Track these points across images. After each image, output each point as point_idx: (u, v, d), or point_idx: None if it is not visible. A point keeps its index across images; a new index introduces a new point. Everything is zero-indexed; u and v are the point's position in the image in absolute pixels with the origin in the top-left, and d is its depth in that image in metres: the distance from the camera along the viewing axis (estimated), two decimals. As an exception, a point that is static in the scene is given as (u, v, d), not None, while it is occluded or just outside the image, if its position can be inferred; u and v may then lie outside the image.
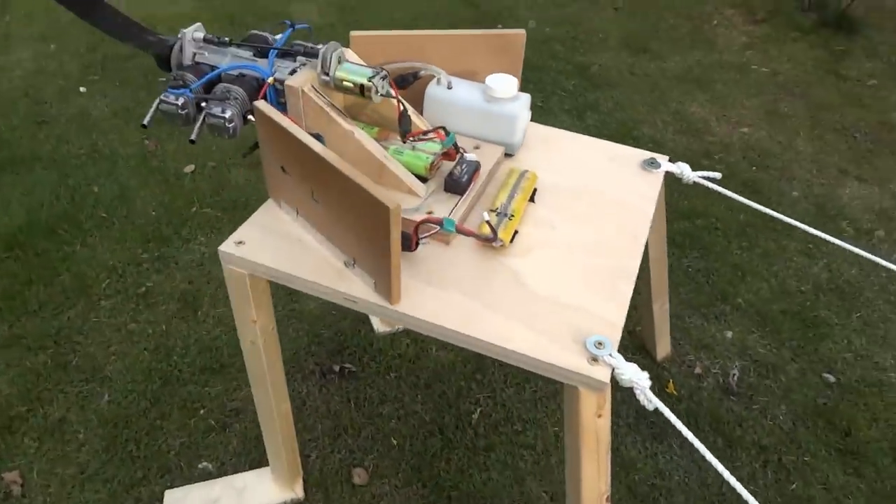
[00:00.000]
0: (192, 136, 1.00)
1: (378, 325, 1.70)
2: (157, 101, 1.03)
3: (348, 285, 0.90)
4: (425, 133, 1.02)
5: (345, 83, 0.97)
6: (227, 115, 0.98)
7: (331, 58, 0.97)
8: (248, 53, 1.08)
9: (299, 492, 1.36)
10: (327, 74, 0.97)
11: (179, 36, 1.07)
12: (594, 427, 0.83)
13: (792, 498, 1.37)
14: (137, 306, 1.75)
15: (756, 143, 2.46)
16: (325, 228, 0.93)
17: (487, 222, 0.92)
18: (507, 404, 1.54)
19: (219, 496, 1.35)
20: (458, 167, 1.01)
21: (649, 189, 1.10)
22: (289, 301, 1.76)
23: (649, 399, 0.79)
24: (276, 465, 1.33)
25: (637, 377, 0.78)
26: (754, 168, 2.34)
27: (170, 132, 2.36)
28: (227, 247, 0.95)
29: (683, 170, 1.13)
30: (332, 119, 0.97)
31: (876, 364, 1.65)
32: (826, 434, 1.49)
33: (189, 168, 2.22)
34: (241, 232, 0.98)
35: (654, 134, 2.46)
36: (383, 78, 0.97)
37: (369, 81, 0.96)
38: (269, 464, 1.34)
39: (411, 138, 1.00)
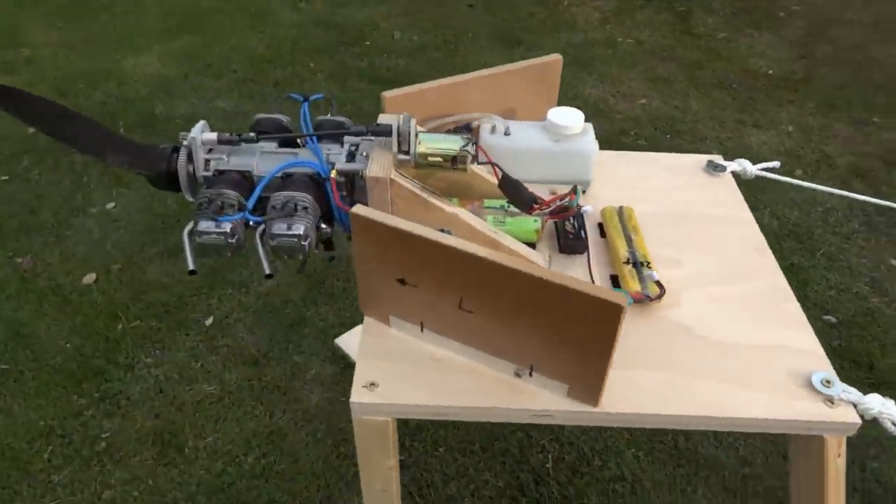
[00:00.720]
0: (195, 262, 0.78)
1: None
2: (188, 232, 0.79)
3: (532, 399, 0.74)
4: (560, 198, 0.84)
5: (430, 158, 0.80)
6: (301, 231, 0.77)
7: (410, 133, 0.79)
8: (273, 146, 0.86)
9: None
10: (407, 153, 0.80)
11: (185, 142, 0.82)
12: (836, 469, 0.77)
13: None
14: (103, 468, 1.40)
15: (658, 112, 2.57)
16: (478, 340, 0.76)
17: (657, 282, 0.81)
18: (573, 441, 1.44)
19: None
20: (569, 222, 0.89)
21: (731, 195, 1.05)
22: (291, 401, 1.52)
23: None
24: None
25: (885, 407, 0.73)
26: (668, 136, 2.44)
27: (45, 241, 1.94)
28: (358, 396, 0.74)
29: (745, 166, 1.10)
30: (430, 205, 0.80)
31: (857, 294, 1.78)
32: (856, 373, 1.57)
33: (89, 278, 1.83)
34: (365, 371, 0.77)
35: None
36: (474, 144, 0.81)
37: (462, 150, 0.80)
38: None
39: (538, 208, 0.83)
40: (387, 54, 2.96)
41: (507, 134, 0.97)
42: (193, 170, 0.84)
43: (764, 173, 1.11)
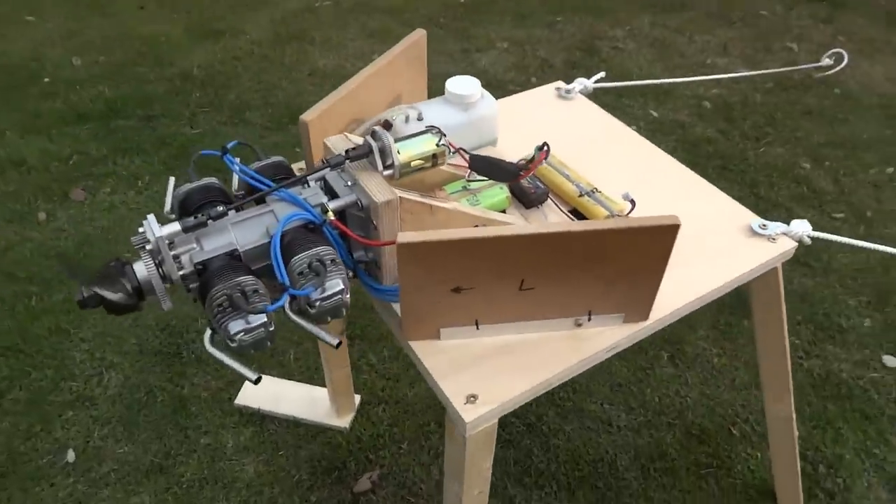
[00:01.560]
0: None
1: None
2: (213, 342, 0.66)
3: (600, 339, 0.79)
4: (543, 159, 0.86)
5: (413, 164, 0.77)
6: (340, 285, 0.69)
7: (391, 146, 0.75)
8: (232, 212, 0.74)
9: None
10: (391, 167, 0.76)
11: (149, 247, 0.66)
12: (780, 281, 0.98)
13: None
14: None
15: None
16: (537, 311, 0.78)
17: (629, 199, 0.90)
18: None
19: None
20: (526, 181, 0.93)
21: (596, 112, 1.19)
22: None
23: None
24: None
25: (803, 227, 0.95)
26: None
27: None
28: (467, 414, 0.71)
29: (585, 84, 1.24)
30: (435, 208, 0.77)
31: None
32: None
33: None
34: (456, 389, 0.74)
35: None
36: (443, 135, 0.80)
37: (440, 146, 0.79)
38: None
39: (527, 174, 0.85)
40: (79, 85, 2.53)
41: (420, 119, 0.96)
42: (163, 274, 0.68)
43: (600, 84, 1.27)
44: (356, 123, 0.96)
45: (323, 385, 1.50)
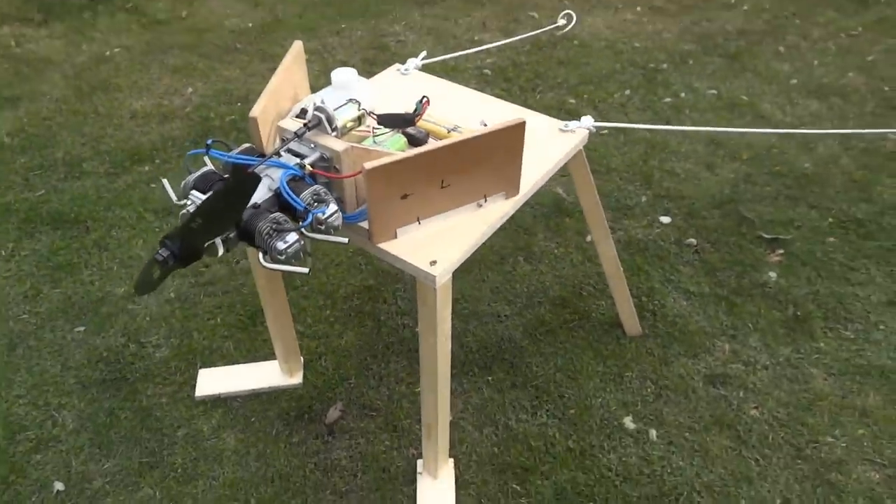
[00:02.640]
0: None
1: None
2: (268, 259, 0.94)
3: (496, 212, 1.20)
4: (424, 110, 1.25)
5: (348, 124, 1.11)
6: (335, 208, 1.01)
7: (333, 115, 1.08)
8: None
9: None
10: (335, 129, 1.09)
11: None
12: (586, 165, 1.46)
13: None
14: None
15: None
16: (452, 201, 1.16)
17: (483, 124, 1.31)
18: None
19: None
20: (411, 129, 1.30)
21: (430, 80, 1.59)
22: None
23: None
24: None
25: (590, 122, 1.43)
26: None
27: None
28: (434, 271, 1.07)
29: (411, 65, 1.63)
30: (371, 152, 1.12)
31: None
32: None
33: None
34: (421, 259, 1.09)
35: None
36: (359, 102, 1.15)
37: (361, 111, 1.13)
38: None
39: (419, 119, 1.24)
40: None
41: (322, 103, 1.29)
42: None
43: (425, 62, 1.67)
44: (278, 116, 1.26)
45: (264, 360, 1.75)
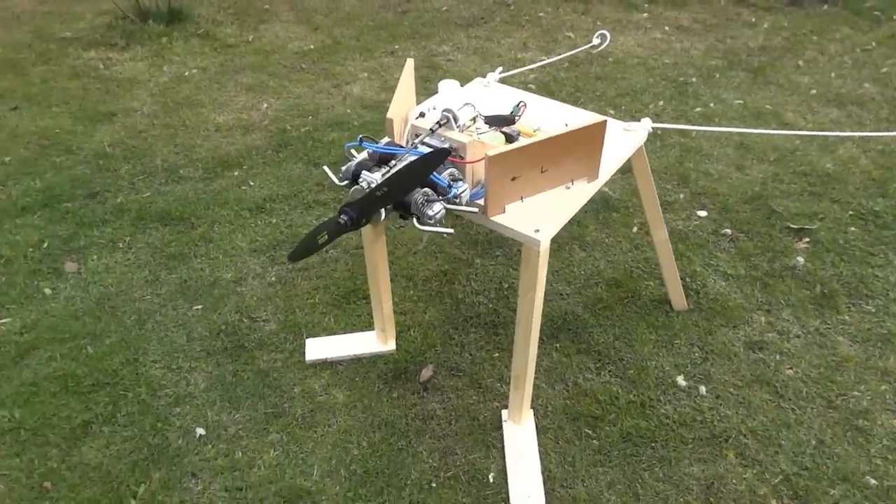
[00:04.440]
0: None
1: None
2: (423, 224, 1.23)
3: (579, 193, 1.48)
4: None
5: (467, 123, 1.41)
6: (465, 185, 1.30)
7: (458, 115, 1.37)
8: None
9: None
10: (459, 126, 1.38)
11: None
12: (644, 152, 1.74)
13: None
14: None
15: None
16: (549, 183, 1.44)
17: (566, 124, 1.59)
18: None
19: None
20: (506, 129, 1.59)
21: (511, 91, 1.88)
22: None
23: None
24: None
25: (647, 124, 1.71)
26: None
27: None
28: (538, 236, 1.35)
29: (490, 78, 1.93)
30: (485, 143, 1.40)
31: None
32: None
33: None
34: (528, 228, 1.37)
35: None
36: (475, 107, 1.44)
37: (476, 111, 1.43)
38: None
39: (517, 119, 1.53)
40: (1, 184, 2.71)
41: (435, 108, 1.58)
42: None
43: (502, 75, 1.97)
44: (399, 118, 1.55)
45: (361, 332, 2.04)
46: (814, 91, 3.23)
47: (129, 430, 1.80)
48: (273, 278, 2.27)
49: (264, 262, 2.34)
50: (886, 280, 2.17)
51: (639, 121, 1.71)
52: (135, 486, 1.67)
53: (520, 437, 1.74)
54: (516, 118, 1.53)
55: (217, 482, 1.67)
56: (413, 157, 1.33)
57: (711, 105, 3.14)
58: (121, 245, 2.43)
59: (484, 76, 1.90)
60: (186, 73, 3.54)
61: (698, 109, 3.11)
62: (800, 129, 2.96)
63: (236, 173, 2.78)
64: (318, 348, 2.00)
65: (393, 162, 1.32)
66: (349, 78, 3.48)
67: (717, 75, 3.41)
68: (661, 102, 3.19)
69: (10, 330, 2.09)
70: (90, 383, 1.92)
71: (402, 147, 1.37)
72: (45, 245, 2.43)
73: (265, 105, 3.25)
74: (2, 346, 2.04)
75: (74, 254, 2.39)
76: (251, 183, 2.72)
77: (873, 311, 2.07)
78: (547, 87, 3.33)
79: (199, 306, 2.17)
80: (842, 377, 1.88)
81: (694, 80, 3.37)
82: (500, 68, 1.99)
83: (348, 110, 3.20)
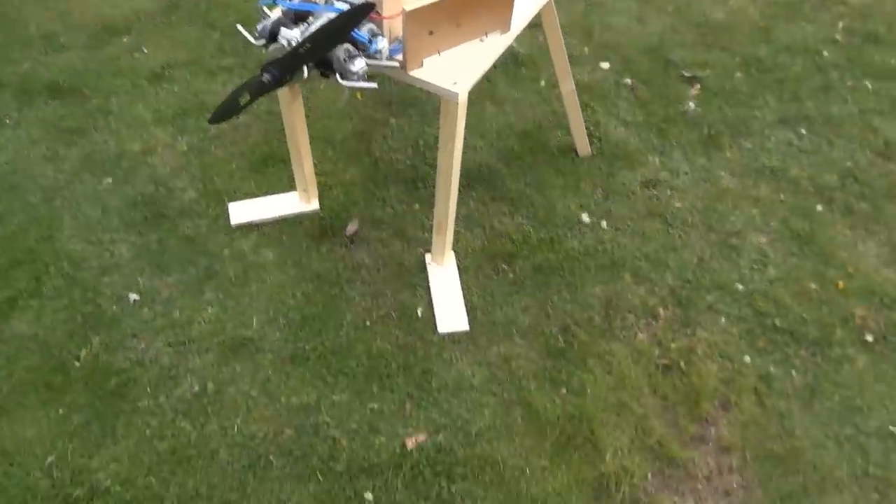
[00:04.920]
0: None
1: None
2: (345, 78, 1.25)
3: (494, 45, 1.53)
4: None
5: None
6: (385, 41, 1.32)
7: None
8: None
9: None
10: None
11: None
12: (553, 7, 1.79)
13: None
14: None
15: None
16: (463, 36, 1.48)
17: None
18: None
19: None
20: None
21: None
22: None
23: None
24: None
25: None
26: None
27: None
28: (456, 88, 1.41)
29: None
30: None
31: None
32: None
33: None
34: (446, 80, 1.42)
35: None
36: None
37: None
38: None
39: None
40: None
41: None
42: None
43: None
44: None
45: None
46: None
47: (59, 302, 1.80)
48: (185, 147, 2.22)
49: (172, 133, 2.27)
50: (764, 119, 2.41)
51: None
52: (76, 351, 1.71)
53: (443, 276, 1.90)
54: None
55: (159, 340, 1.74)
56: (331, 14, 1.32)
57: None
58: (8, 122, 2.27)
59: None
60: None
61: (599, -38, 3.14)
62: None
63: (125, 40, 2.60)
64: (242, 212, 2.02)
65: (311, 18, 1.31)
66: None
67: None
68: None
69: None
70: (6, 262, 1.88)
71: (317, 3, 1.35)
72: (-79, 125, 2.24)
73: (148, -37, 2.98)
74: None
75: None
76: (144, 50, 2.56)
77: (751, 147, 2.32)
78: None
79: (109, 179, 2.11)
80: (721, 206, 2.13)
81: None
82: None
83: (242, -32, 2.99)
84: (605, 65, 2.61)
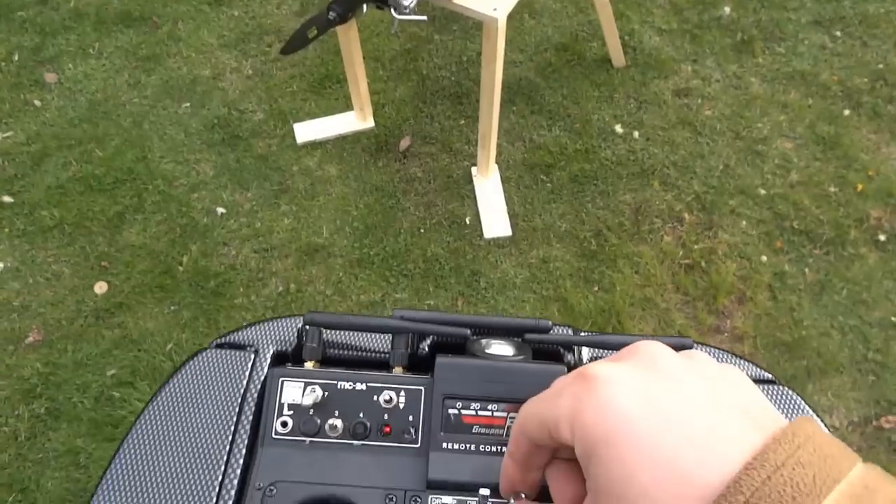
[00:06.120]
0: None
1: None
2: (399, 12, 1.43)
3: None
4: None
5: None
6: None
7: None
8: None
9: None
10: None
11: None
12: None
13: None
14: (308, 294, 1.96)
15: None
16: None
17: None
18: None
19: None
20: None
21: None
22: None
23: None
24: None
25: None
26: None
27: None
28: (496, 14, 1.57)
29: None
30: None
31: None
32: None
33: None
34: (486, 10, 1.58)
35: None
36: None
37: None
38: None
39: None
40: None
41: None
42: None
43: None
44: None
45: (340, 113, 2.28)
46: None
47: (159, 216, 2.11)
48: (250, 71, 2.43)
49: (237, 57, 2.47)
50: (798, 22, 2.45)
51: None
52: (178, 257, 2.04)
53: (488, 187, 2.12)
54: None
55: (246, 247, 2.05)
56: None
57: None
58: (91, 51, 2.51)
59: None
60: None
61: None
62: None
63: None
64: (306, 131, 2.26)
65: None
66: None
67: None
68: None
69: (16, 142, 2.28)
70: (111, 181, 2.18)
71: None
72: (16, 58, 2.49)
73: None
74: (16, 156, 2.24)
75: (48, 64, 2.47)
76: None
77: (783, 52, 2.39)
78: None
79: (187, 104, 2.36)
80: (750, 112, 2.25)
81: None
82: None
83: None
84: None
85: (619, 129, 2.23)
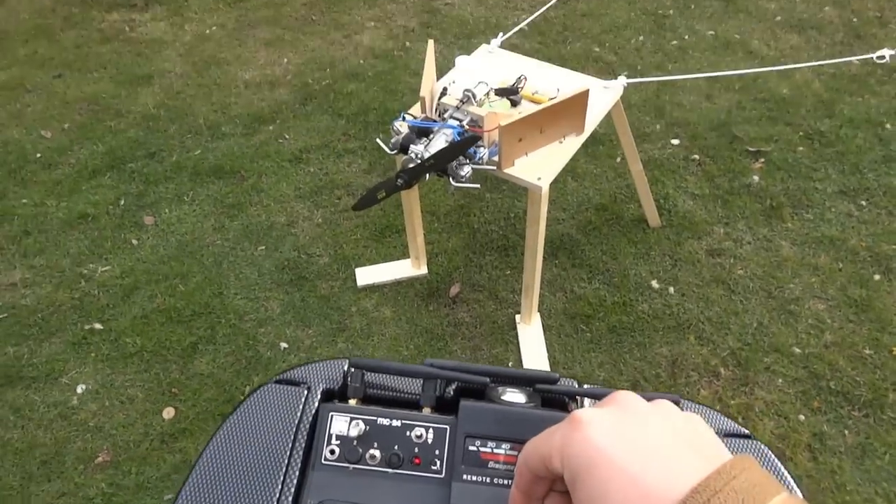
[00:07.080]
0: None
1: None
2: (456, 181, 1.68)
3: (569, 145, 1.91)
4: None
5: (481, 99, 1.83)
6: (485, 150, 1.73)
7: (476, 93, 1.79)
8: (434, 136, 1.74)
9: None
10: (477, 101, 1.80)
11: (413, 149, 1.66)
12: (621, 105, 2.16)
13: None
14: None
15: (306, 60, 3.51)
16: (546, 140, 1.88)
17: (557, 89, 2.01)
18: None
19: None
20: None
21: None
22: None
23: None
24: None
25: (622, 80, 2.12)
26: (331, 69, 3.45)
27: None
28: (540, 182, 1.81)
29: (496, 42, 2.31)
30: (497, 114, 1.83)
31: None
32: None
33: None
34: (531, 179, 1.82)
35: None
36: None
37: (488, 87, 1.84)
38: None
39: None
40: (68, 151, 3.12)
41: (454, 82, 1.99)
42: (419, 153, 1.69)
43: (499, 40, 2.34)
44: (430, 96, 1.96)
45: (397, 260, 2.52)
46: (779, 17, 3.57)
47: (228, 348, 2.32)
48: (320, 220, 2.73)
49: (310, 207, 2.79)
50: (824, 192, 2.64)
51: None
52: (242, 387, 2.21)
53: (530, 334, 2.26)
54: (519, 89, 1.94)
55: (304, 380, 2.21)
56: (446, 128, 1.75)
57: (686, 37, 3.49)
58: (185, 199, 2.87)
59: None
60: (207, 32, 3.85)
61: (674, 42, 3.47)
62: (763, 58, 3.33)
63: (271, 128, 3.18)
64: (366, 275, 2.49)
65: (431, 135, 1.75)
66: (357, 28, 3.80)
67: (692, 6, 3.73)
68: (640, 37, 3.53)
69: (112, 275, 2.58)
70: (189, 314, 2.43)
71: (435, 121, 1.79)
72: (122, 203, 2.88)
73: (285, 60, 3.59)
74: (110, 288, 2.53)
75: (148, 208, 2.84)
76: (286, 136, 3.13)
77: (811, 218, 2.55)
78: (538, 27, 3.66)
79: (263, 247, 2.64)
80: (781, 273, 2.38)
81: (671, 12, 3.69)
82: (501, 33, 2.37)
83: (361, 61, 3.55)
84: (675, 141, 2.92)
85: (655, 284, 2.38)
